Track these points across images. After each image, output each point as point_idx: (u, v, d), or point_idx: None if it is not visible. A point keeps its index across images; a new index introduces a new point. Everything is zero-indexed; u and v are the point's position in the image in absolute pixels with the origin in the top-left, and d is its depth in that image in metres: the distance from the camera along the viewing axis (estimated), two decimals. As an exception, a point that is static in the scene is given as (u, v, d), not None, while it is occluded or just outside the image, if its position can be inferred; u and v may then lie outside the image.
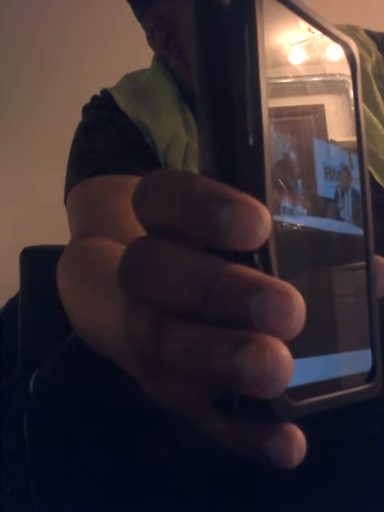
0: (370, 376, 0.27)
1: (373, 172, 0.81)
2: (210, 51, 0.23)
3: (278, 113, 0.24)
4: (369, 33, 0.94)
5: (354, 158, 0.30)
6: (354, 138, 0.30)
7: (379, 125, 0.85)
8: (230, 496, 0.61)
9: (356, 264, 0.29)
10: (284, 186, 0.24)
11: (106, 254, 0.53)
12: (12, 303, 1.57)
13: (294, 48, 0.26)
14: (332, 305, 0.27)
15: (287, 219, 0.24)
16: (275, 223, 0.23)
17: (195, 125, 0.85)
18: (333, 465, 0.60)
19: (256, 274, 0.22)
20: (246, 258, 0.22)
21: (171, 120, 0.86)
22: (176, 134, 0.84)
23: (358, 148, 0.30)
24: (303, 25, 0.27)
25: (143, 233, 0.24)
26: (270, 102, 0.23)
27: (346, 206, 0.29)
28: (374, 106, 0.87)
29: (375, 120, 0.85)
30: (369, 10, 1.89)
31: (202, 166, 0.23)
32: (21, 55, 2.25)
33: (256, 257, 0.22)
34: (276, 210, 0.23)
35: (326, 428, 0.51)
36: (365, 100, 0.83)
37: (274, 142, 0.24)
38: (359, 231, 0.29)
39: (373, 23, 1.02)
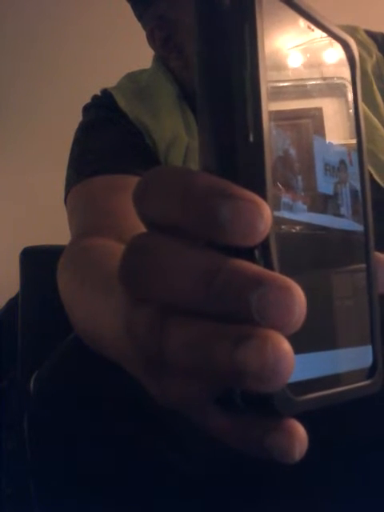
0: (370, 372, 0.28)
1: (373, 172, 0.81)
2: (211, 48, 0.23)
3: (278, 110, 0.24)
4: (369, 33, 0.94)
5: (354, 154, 0.30)
6: (354, 138, 0.30)
7: (379, 125, 0.85)
8: (230, 496, 0.61)
9: (356, 260, 0.29)
10: (284, 182, 0.24)
11: (106, 254, 0.53)
12: (12, 303, 1.57)
13: (294, 47, 0.26)
14: (333, 301, 0.27)
15: (287, 215, 0.24)
16: (275, 219, 0.23)
17: (195, 125, 0.85)
18: (333, 464, 0.60)
19: (257, 268, 0.22)
20: (247, 253, 0.22)
21: (171, 120, 0.86)
22: (176, 135, 0.84)
23: (358, 144, 0.30)
24: (303, 23, 0.27)
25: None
26: (270, 99, 0.23)
27: (346, 202, 0.29)
28: (373, 107, 0.87)
29: (375, 120, 0.85)
30: (369, 10, 1.89)
31: (202, 162, 0.23)
32: (20, 55, 2.25)
33: (257, 252, 0.22)
34: (276, 205, 0.24)
35: (325, 427, 0.51)
36: (365, 100, 0.83)
37: (274, 139, 0.24)
38: (359, 228, 0.29)
39: (373, 23, 1.02)
